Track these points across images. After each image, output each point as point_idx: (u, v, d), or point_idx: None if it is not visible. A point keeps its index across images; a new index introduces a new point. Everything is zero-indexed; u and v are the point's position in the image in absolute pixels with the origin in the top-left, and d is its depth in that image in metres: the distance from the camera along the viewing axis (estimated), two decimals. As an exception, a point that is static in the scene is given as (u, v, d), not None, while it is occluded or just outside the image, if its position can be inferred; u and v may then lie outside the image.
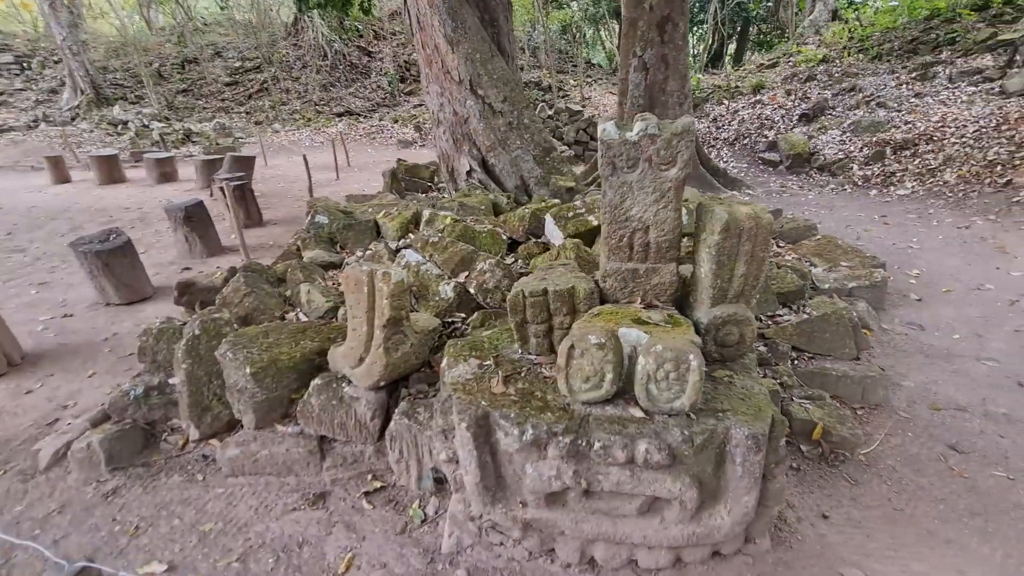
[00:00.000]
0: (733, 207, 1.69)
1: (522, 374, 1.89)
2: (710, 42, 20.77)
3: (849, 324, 2.97)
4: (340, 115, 18.71)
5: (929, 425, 2.57)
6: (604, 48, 29.19)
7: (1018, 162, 6.03)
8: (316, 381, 2.34)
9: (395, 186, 7.06)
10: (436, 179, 8.13)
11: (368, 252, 3.90)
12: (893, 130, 8.30)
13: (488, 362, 1.96)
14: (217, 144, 13.72)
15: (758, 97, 11.99)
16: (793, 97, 11.27)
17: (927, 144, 7.33)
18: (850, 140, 8.87)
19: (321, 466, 2.33)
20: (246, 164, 8.82)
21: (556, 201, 4.43)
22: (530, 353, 2.02)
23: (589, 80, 22.17)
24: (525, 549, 1.87)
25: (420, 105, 19.67)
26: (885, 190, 7.21)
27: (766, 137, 10.45)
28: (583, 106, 16.11)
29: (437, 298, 2.90)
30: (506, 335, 2.21)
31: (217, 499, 2.27)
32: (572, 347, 1.62)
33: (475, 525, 1.94)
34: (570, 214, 3.45)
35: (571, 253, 2.89)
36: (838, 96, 10.51)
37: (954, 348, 3.27)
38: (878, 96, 9.73)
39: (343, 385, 2.32)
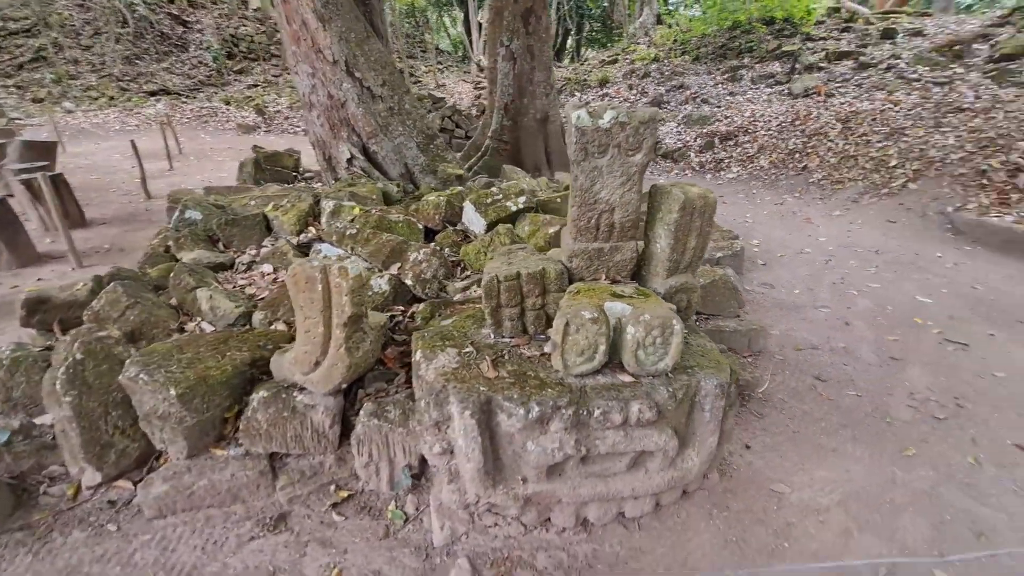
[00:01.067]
0: (686, 188, 1.92)
1: (505, 357, 1.93)
2: (554, 36, 22.04)
3: (732, 288, 3.51)
4: (153, 93, 15.99)
5: (797, 363, 3.19)
6: (449, 35, 29.14)
7: (809, 151, 7.55)
8: (261, 394, 2.09)
9: (259, 176, 6.36)
10: (300, 168, 7.51)
11: (265, 249, 3.50)
12: (717, 123, 9.76)
13: (468, 349, 1.95)
14: (-15, 126, 10.84)
15: (605, 90, 13.12)
16: (634, 91, 12.57)
17: (744, 135, 8.78)
18: (685, 131, 10.22)
19: (274, 486, 2.10)
20: (44, 152, 7.14)
21: (460, 188, 4.42)
22: (504, 336, 2.06)
23: (441, 67, 22.03)
24: (521, 523, 1.93)
25: (255, 86, 17.74)
26: (717, 174, 8.49)
27: (616, 127, 11.52)
28: (440, 94, 16.00)
29: (371, 292, 2.75)
30: (470, 321, 2.21)
31: (146, 547, 1.92)
32: (567, 324, 1.71)
33: (466, 512, 1.94)
34: (488, 200, 3.49)
35: (505, 239, 2.96)
36: (670, 92, 11.99)
37: (797, 301, 4.06)
38: (702, 93, 11.33)
39: (294, 394, 2.11)
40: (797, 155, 7.67)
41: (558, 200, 3.82)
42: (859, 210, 6.15)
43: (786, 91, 10.24)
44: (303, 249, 3.46)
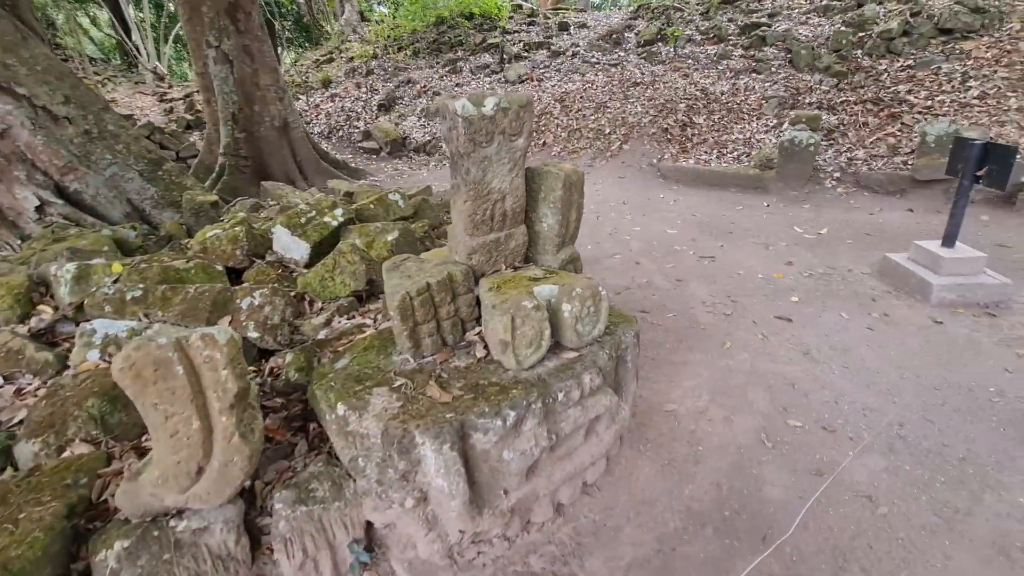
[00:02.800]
0: (560, 166, 2.01)
1: (444, 376, 1.75)
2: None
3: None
4: None
5: (623, 304, 3.73)
6: (92, 39, 23.14)
7: (543, 128, 8.67)
8: (117, 547, 1.44)
9: None
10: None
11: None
12: (455, 113, 10.33)
13: (400, 382, 1.71)
14: None
15: (333, 91, 12.49)
16: (363, 90, 12.30)
17: (484, 121, 9.52)
18: (428, 124, 10.53)
19: (177, 658, 1.50)
20: None
21: (242, 215, 3.70)
22: (424, 356, 1.86)
23: (100, 78, 17.59)
24: (505, 538, 1.83)
25: None
26: (472, 160, 9.05)
27: (357, 128, 11.14)
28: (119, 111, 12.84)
29: (201, 362, 2.12)
30: (371, 353, 1.93)
31: None
32: (513, 319, 1.65)
33: (447, 557, 1.74)
34: (303, 220, 3.01)
35: (354, 256, 2.61)
36: (400, 87, 12.13)
37: (591, 255, 4.70)
38: (431, 86, 11.79)
39: (171, 524, 1.52)
40: (534, 134, 8.72)
41: (372, 206, 3.55)
42: (596, 172, 7.38)
43: (503, 79, 11.44)
44: (44, 339, 2.45)
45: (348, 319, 2.45)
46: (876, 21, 7.90)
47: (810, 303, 3.56)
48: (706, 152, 7.13)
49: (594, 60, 10.65)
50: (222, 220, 3.60)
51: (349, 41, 15.43)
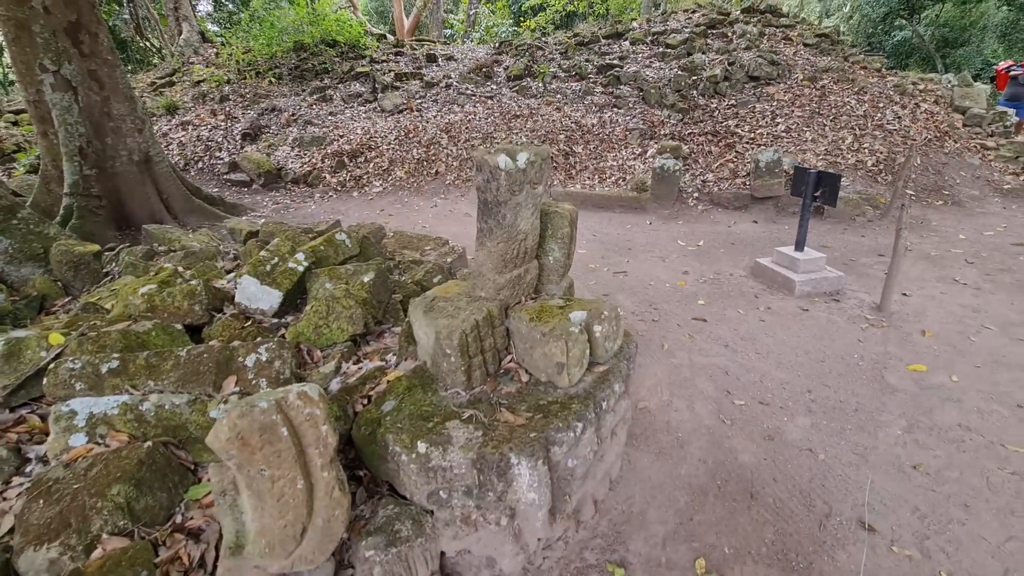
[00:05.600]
0: (563, 206, 2.31)
1: (504, 403, 1.93)
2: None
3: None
4: None
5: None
6: None
7: (433, 158, 8.89)
8: (234, 628, 1.36)
9: None
10: None
11: None
12: (335, 143, 10.05)
13: (467, 414, 1.85)
14: None
15: (183, 118, 11.26)
16: (222, 117, 11.31)
17: (371, 152, 9.45)
18: (304, 154, 10.07)
19: None
20: None
21: (169, 266, 3.35)
22: (474, 387, 2.02)
23: None
24: (563, 541, 2.04)
25: None
26: (363, 191, 8.90)
27: (221, 159, 10.20)
28: None
29: (216, 429, 1.98)
30: (414, 393, 2.02)
31: None
32: (567, 343, 1.90)
33: (523, 565, 1.90)
34: (267, 268, 2.87)
35: (348, 301, 2.59)
36: (265, 115, 11.40)
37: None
38: (301, 115, 11.28)
39: (276, 595, 1.47)
40: (425, 163, 8.90)
41: (322, 247, 3.48)
42: (493, 199, 7.80)
43: (378, 108, 11.41)
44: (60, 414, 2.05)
45: (356, 364, 2.45)
46: (703, 67, 9.62)
47: (713, 304, 4.31)
48: (588, 178, 8.00)
49: (469, 92, 11.19)
50: (150, 274, 3.23)
51: (191, 63, 14.03)
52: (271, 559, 1.46)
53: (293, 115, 11.30)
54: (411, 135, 9.45)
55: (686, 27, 11.89)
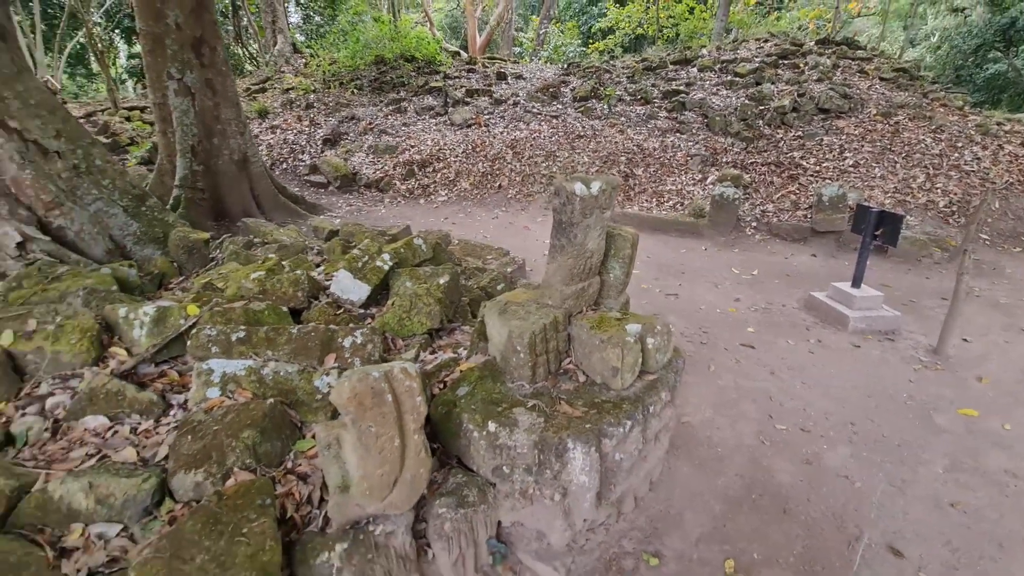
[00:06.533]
0: (626, 230, 2.59)
1: (563, 398, 2.21)
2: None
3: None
4: None
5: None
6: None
7: (497, 172, 9.33)
8: (341, 547, 1.71)
9: None
10: None
11: (56, 398, 2.38)
12: (407, 152, 10.71)
13: (531, 404, 2.14)
14: None
15: (272, 122, 12.31)
16: (306, 123, 12.28)
17: (439, 163, 10.02)
18: (377, 161, 10.78)
19: (377, 645, 1.77)
20: None
21: (272, 257, 3.86)
22: (537, 382, 2.31)
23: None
24: (604, 527, 2.28)
25: None
26: (429, 199, 9.46)
27: (303, 161, 11.09)
28: None
29: (318, 397, 2.37)
30: (485, 382, 2.33)
31: None
32: (622, 350, 2.17)
33: (568, 541, 2.16)
34: (360, 264, 3.29)
35: (429, 299, 2.96)
36: (344, 123, 12.28)
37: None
38: (377, 124, 12.07)
39: (370, 530, 1.81)
40: (489, 176, 9.36)
41: (402, 250, 3.89)
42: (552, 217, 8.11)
43: (448, 121, 12.04)
44: (134, 379, 2.53)
45: (431, 353, 2.80)
46: (772, 98, 9.62)
47: (763, 332, 4.42)
48: (647, 200, 8.18)
49: (535, 110, 11.62)
50: (257, 262, 3.74)
51: (282, 72, 15.28)
52: (369, 500, 1.80)
53: (370, 124, 12.10)
54: (478, 149, 9.94)
55: (756, 56, 11.88)
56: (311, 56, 15.79)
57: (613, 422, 2.07)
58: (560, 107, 11.60)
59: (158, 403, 2.38)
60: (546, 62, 17.36)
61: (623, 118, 10.44)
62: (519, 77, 13.97)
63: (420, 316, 2.93)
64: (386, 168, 10.45)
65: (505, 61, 15.95)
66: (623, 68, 12.80)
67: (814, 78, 10.28)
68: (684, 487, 2.64)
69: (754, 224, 7.32)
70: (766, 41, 13.02)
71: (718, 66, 11.89)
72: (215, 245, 4.93)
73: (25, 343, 2.55)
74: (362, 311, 3.26)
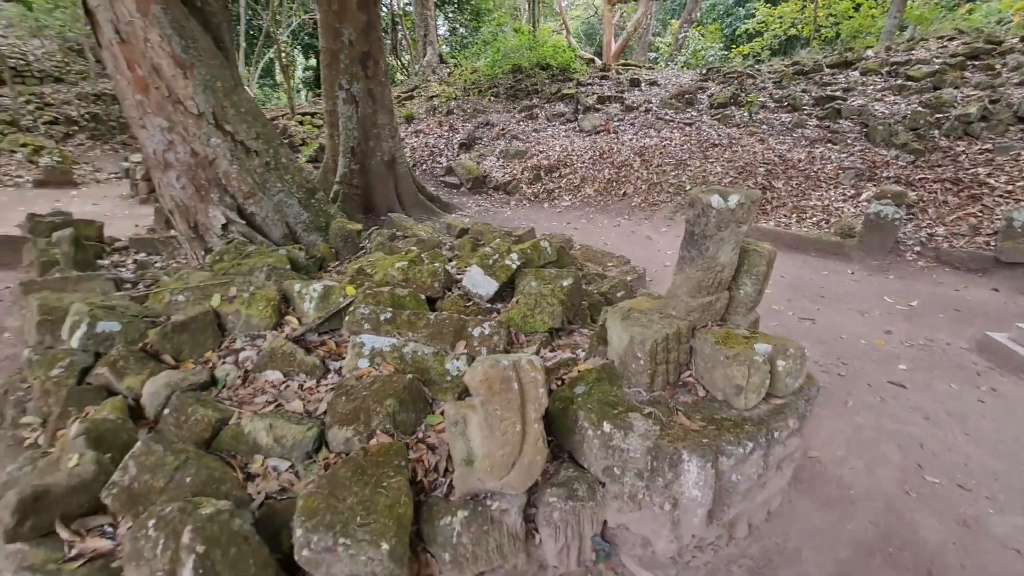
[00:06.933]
0: (763, 246, 2.50)
1: (680, 409, 2.21)
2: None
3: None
4: None
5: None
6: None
7: (623, 179, 9.26)
8: (460, 515, 1.91)
9: (80, 257, 4.87)
10: (108, 240, 5.96)
11: (246, 353, 2.91)
12: (535, 157, 11.05)
13: (647, 411, 2.17)
14: None
15: (417, 127, 13.45)
16: (446, 128, 13.22)
17: (565, 168, 10.20)
18: (507, 165, 11.27)
19: (484, 610, 1.95)
20: None
21: (414, 250, 4.29)
22: (655, 391, 2.33)
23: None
24: (712, 548, 2.23)
25: None
26: (552, 203, 9.68)
27: (440, 163, 11.98)
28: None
29: (448, 379, 2.63)
30: (602, 384, 2.40)
31: None
32: (748, 369, 2.11)
33: (673, 554, 2.16)
34: (491, 261, 3.56)
35: (553, 300, 3.12)
36: (480, 128, 13.00)
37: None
38: (509, 130, 12.61)
39: (487, 502, 1.99)
40: (614, 184, 9.32)
41: (528, 251, 4.09)
42: (678, 226, 7.87)
43: (577, 128, 12.18)
44: (302, 344, 3.00)
45: (551, 351, 2.94)
46: (953, 104, 8.34)
47: (918, 371, 3.90)
48: (785, 216, 7.57)
49: (668, 117, 11.31)
50: (401, 253, 4.19)
51: (429, 81, 16.59)
52: (489, 477, 1.97)
53: (503, 129, 12.67)
54: (605, 156, 9.95)
55: (937, 57, 10.36)
56: (455, 66, 16.93)
57: (732, 441, 2.02)
58: (695, 114, 11.16)
59: (319, 367, 2.80)
60: (683, 67, 16.74)
61: (765, 126, 9.75)
62: (653, 83, 13.68)
63: (543, 315, 3.08)
64: (514, 172, 10.89)
65: (639, 67, 15.70)
66: (769, 73, 11.93)
67: (1014, 81, 8.70)
68: (805, 524, 2.47)
69: (917, 248, 6.43)
70: (951, 39, 11.28)
71: (886, 69, 10.57)
72: (365, 235, 5.58)
73: (227, 306, 3.15)
74: (489, 305, 3.50)
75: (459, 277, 3.81)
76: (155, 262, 5.17)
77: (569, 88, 13.79)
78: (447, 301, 3.43)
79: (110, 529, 1.90)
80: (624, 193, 9.05)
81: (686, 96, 11.97)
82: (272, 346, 2.84)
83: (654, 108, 11.92)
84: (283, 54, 16.80)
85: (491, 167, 11.38)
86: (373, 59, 7.96)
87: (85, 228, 5.60)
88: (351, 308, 3.00)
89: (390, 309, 2.94)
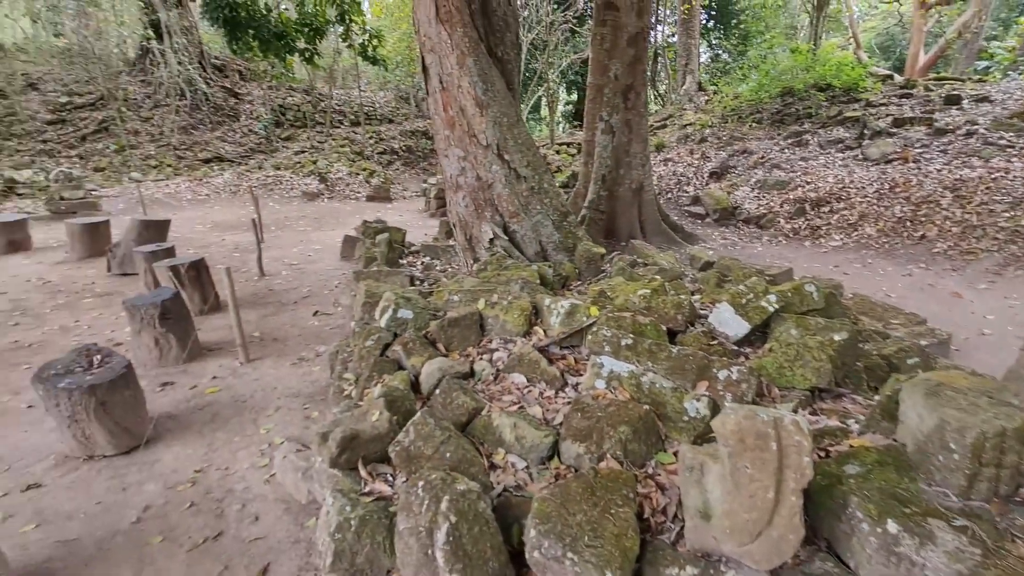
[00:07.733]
0: None
1: (1008, 536, 1.64)
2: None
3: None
4: (207, 161, 16.41)
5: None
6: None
7: (923, 219, 7.47)
8: (692, 570, 1.78)
9: (390, 256, 6.23)
10: (407, 245, 7.38)
11: (499, 354, 3.26)
12: (799, 188, 9.77)
13: (959, 523, 1.67)
14: (62, 198, 10.94)
15: (666, 155, 13.32)
16: (697, 156, 12.75)
17: (838, 202, 8.75)
18: (763, 196, 10.23)
19: None
20: (159, 230, 7.09)
21: (657, 279, 4.23)
22: (971, 498, 1.78)
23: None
24: None
25: (302, 152, 18.07)
26: (816, 242, 8.39)
27: (687, 192, 11.59)
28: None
29: (685, 418, 2.48)
30: (890, 471, 1.93)
31: None
32: None
33: None
34: (744, 301, 3.28)
35: (820, 354, 2.71)
36: (734, 157, 12.14)
37: None
38: (769, 158, 11.45)
39: (722, 569, 1.81)
40: (908, 223, 7.58)
41: (789, 294, 3.61)
42: (1007, 283, 5.95)
43: (860, 156, 10.33)
44: (546, 354, 3.23)
45: (811, 414, 2.53)
46: None
47: None
48: None
49: (1003, 142, 8.70)
50: (640, 279, 4.18)
51: (684, 110, 16.29)
52: (727, 540, 1.78)
53: (762, 158, 11.60)
54: (897, 189, 8.20)
55: None
56: (714, 93, 16.25)
57: (1115, 605, 1.40)
58: (1052, 138, 8.32)
59: (559, 379, 2.97)
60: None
61: None
62: (982, 99, 10.73)
63: (805, 370, 2.67)
64: (771, 204, 9.82)
65: (961, 80, 12.52)
66: None
67: None
68: None
69: None
70: None
71: None
72: (607, 259, 5.75)
73: (490, 310, 3.59)
74: (736, 348, 3.21)
75: (703, 312, 3.60)
76: (436, 265, 6.26)
77: (854, 110, 11.82)
78: (689, 336, 3.27)
79: (391, 478, 2.35)
80: (922, 236, 7.28)
81: (1039, 115, 9.03)
82: (521, 351, 3.13)
83: (980, 131, 9.31)
84: (551, 91, 18.65)
85: (743, 197, 10.50)
86: (635, 91, 8.20)
87: (395, 234, 7.12)
88: (593, 328, 3.11)
89: (631, 335, 2.94)
